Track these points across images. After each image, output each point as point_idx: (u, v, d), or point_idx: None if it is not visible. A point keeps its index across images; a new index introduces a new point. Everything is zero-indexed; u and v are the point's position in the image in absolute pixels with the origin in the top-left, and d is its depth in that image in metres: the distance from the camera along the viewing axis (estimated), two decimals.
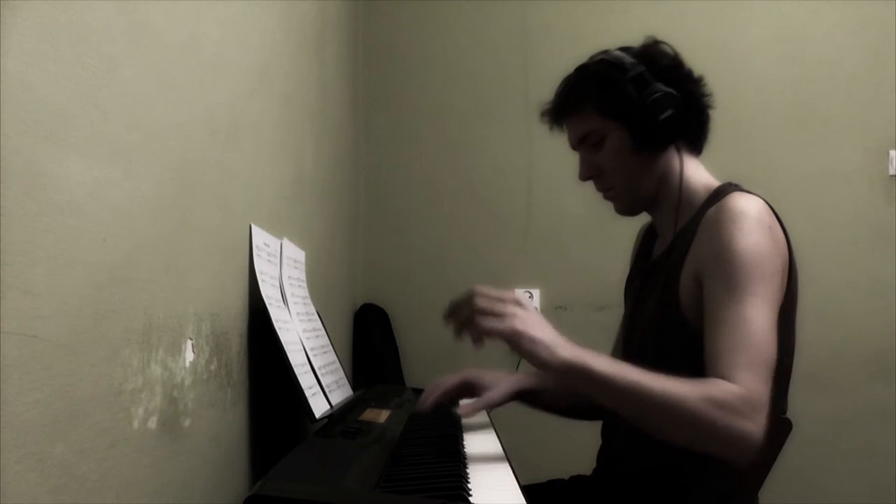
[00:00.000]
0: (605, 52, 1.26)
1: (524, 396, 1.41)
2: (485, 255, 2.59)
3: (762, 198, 1.17)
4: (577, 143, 1.30)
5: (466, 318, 1.04)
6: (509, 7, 2.62)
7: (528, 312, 1.03)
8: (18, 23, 0.57)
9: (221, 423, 1.03)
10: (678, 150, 1.24)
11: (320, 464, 0.92)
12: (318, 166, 1.79)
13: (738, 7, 2.59)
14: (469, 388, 1.39)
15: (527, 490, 0.92)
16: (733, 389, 0.98)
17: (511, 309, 1.02)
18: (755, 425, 0.97)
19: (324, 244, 1.87)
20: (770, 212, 1.15)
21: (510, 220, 2.59)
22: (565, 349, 1.00)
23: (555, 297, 2.57)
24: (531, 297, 2.56)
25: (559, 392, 1.43)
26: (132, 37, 0.77)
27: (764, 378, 1.01)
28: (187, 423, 0.91)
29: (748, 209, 1.12)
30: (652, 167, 1.25)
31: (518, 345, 1.00)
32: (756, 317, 1.04)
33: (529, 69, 2.55)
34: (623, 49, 1.26)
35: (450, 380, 1.38)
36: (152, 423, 0.81)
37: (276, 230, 1.33)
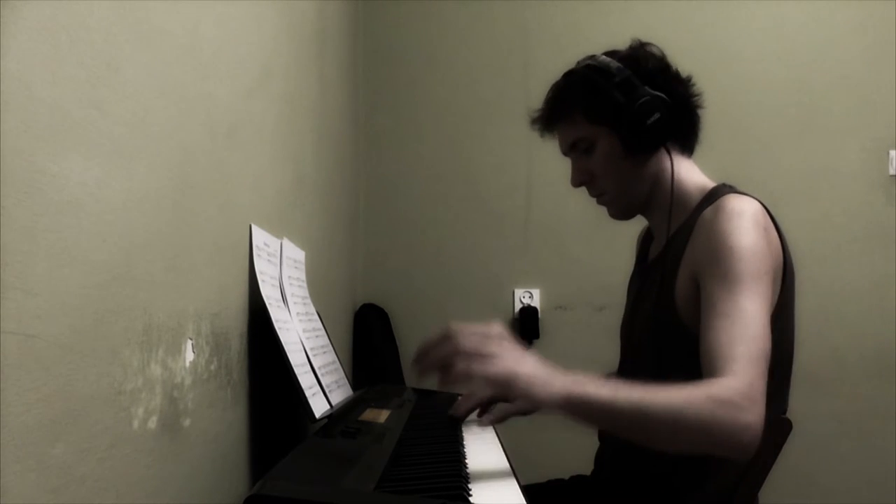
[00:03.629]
0: (592, 56, 1.26)
1: None
2: (485, 255, 2.59)
3: (758, 199, 1.17)
4: (568, 150, 1.31)
5: (445, 359, 0.94)
6: (509, 7, 2.62)
7: (513, 348, 0.96)
8: (18, 23, 0.57)
9: (221, 423, 1.03)
10: (669, 153, 1.24)
11: (320, 464, 0.92)
12: (318, 166, 1.79)
13: (738, 7, 2.59)
14: (501, 399, 1.44)
15: (527, 490, 0.92)
16: (732, 384, 0.98)
17: (497, 347, 0.95)
18: (754, 416, 0.96)
19: (324, 244, 1.87)
20: (765, 213, 1.15)
21: (510, 220, 2.59)
22: (559, 381, 0.94)
23: (555, 297, 2.57)
24: (531, 297, 2.56)
25: None
26: (132, 37, 0.77)
27: (761, 370, 1.00)
28: (187, 423, 0.91)
29: (744, 209, 1.12)
30: (643, 171, 1.25)
31: (514, 386, 0.93)
32: (752, 309, 1.04)
33: (529, 69, 2.55)
34: (609, 53, 1.26)
35: (481, 394, 1.43)
36: (152, 423, 0.81)
37: (276, 230, 1.33)
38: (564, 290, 2.57)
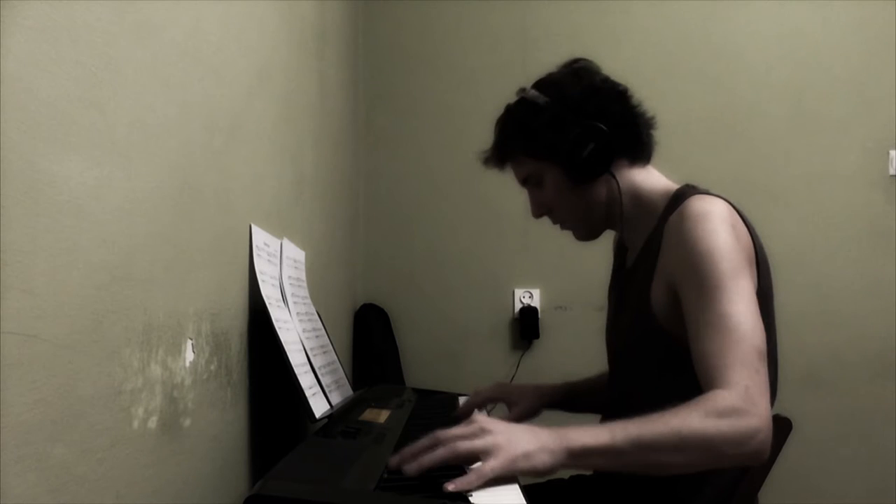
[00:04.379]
0: (523, 90, 1.28)
1: (554, 406, 1.49)
2: (485, 255, 2.59)
3: (723, 197, 1.17)
4: (522, 184, 1.34)
5: (441, 459, 0.90)
6: (509, 7, 2.62)
7: (498, 430, 0.92)
8: (18, 23, 0.57)
9: (221, 423, 1.03)
10: (613, 176, 1.25)
11: (320, 464, 0.92)
12: (318, 166, 1.79)
13: (737, 7, 2.59)
14: (499, 400, 1.50)
15: (527, 490, 0.91)
16: (729, 395, 0.97)
17: (485, 439, 0.91)
18: (757, 418, 0.96)
19: (324, 244, 1.87)
20: (732, 210, 1.15)
21: (510, 220, 2.59)
22: (554, 441, 0.92)
23: (555, 297, 2.57)
24: (531, 297, 2.56)
25: (593, 393, 1.50)
26: (132, 37, 0.77)
27: (756, 367, 1.00)
28: (187, 423, 0.91)
29: (709, 210, 1.12)
30: (595, 196, 1.27)
31: (518, 469, 0.90)
32: (734, 310, 1.03)
33: (529, 69, 2.53)
34: (540, 82, 1.28)
35: (484, 393, 1.48)
36: (152, 423, 0.81)
37: (276, 230, 1.33)
38: (564, 290, 2.57)
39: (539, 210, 1.33)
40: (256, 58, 1.24)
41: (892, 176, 2.56)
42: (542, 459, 0.91)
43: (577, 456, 0.93)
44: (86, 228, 0.68)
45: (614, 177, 1.25)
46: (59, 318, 0.63)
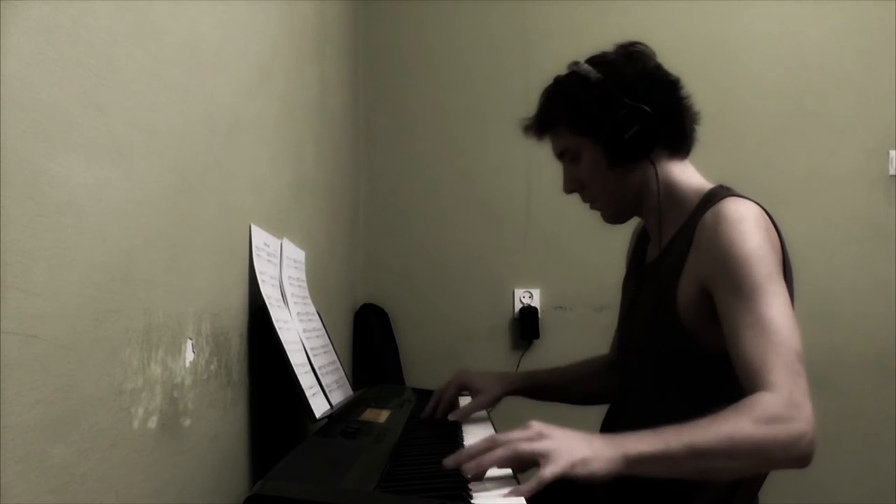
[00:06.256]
0: (576, 63, 1.27)
1: (517, 393, 1.47)
2: (485, 256, 2.59)
3: (756, 202, 1.17)
4: (558, 157, 1.33)
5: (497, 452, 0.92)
6: (509, 7, 2.62)
7: (555, 435, 0.94)
8: (18, 23, 0.57)
9: (221, 423, 1.03)
10: (653, 163, 1.24)
11: (320, 464, 0.92)
12: (319, 166, 1.79)
13: (737, 7, 2.59)
14: (464, 389, 1.46)
15: None
16: (775, 399, 0.98)
17: (543, 443, 0.92)
18: (803, 423, 0.97)
19: (324, 244, 1.87)
20: (765, 215, 1.16)
21: (510, 220, 2.59)
22: (610, 448, 0.93)
23: (555, 297, 2.57)
24: (531, 297, 2.56)
25: (556, 382, 1.51)
26: (132, 37, 0.77)
27: (797, 370, 1.00)
28: (187, 423, 0.91)
29: (745, 213, 1.12)
30: (630, 179, 1.26)
31: (574, 475, 0.91)
32: (773, 313, 1.04)
33: (529, 69, 2.55)
34: (596, 57, 1.27)
35: (446, 388, 1.44)
36: (152, 423, 0.81)
37: (276, 230, 1.33)
38: (564, 290, 2.57)
39: (571, 186, 1.32)
40: (256, 58, 1.24)
41: (892, 176, 2.56)
42: (600, 466, 0.92)
43: (633, 463, 0.94)
44: (86, 228, 0.67)
45: (654, 164, 1.24)
46: (59, 318, 0.63)
